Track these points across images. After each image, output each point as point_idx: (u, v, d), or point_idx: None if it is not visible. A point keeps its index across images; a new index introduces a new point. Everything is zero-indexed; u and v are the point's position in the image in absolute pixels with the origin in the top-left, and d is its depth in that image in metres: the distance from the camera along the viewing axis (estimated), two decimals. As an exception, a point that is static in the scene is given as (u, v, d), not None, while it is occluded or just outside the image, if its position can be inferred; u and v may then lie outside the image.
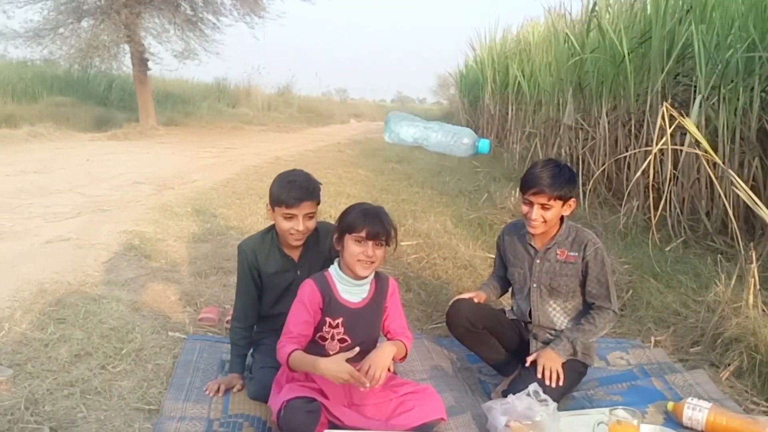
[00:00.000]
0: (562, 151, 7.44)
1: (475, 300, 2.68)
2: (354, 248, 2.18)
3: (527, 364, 2.51)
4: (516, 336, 2.67)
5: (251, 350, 2.61)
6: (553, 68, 8.42)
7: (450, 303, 2.73)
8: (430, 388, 2.29)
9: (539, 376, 2.41)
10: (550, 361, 2.45)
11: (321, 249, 2.55)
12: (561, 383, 2.41)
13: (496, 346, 2.67)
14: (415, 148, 13.07)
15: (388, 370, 2.22)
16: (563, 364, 2.47)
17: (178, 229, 4.84)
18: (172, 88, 19.66)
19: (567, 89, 7.47)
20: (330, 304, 2.23)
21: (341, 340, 2.24)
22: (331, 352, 2.22)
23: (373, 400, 2.21)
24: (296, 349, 2.14)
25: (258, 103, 20.69)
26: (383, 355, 2.16)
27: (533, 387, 2.23)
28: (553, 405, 2.17)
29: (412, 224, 5.44)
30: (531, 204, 2.47)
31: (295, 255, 2.54)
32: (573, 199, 2.52)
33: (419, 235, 5.09)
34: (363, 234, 2.16)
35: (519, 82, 10.14)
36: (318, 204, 2.44)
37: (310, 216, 2.41)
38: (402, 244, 4.84)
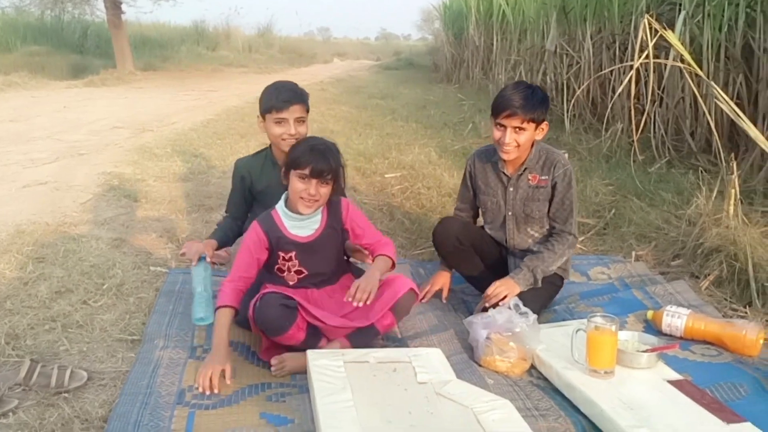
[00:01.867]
0: (547, 78, 7.33)
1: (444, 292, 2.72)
2: (297, 185, 2.14)
3: (487, 304, 2.43)
4: (496, 253, 2.67)
5: None
6: (537, -7, 8.22)
7: (438, 222, 2.71)
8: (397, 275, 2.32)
9: (488, 293, 2.40)
10: (507, 289, 2.40)
11: None
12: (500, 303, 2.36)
13: (478, 264, 2.67)
14: (400, 83, 12.90)
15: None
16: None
17: (157, 170, 4.78)
18: (149, 33, 19.14)
19: (551, 14, 7.31)
20: (279, 241, 2.23)
21: (298, 272, 2.26)
22: (291, 283, 2.27)
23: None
24: (228, 306, 2.12)
25: (238, 45, 20.19)
26: (370, 279, 2.17)
27: (513, 300, 2.24)
28: (533, 317, 2.18)
29: (396, 157, 5.40)
30: (504, 128, 2.40)
31: None
32: (545, 123, 2.45)
33: (403, 167, 5.05)
34: (306, 171, 2.12)
35: (503, 11, 9.92)
36: (307, 110, 2.46)
37: (300, 120, 2.42)
38: (386, 176, 4.81)
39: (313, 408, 1.82)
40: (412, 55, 22.55)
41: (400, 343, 2.37)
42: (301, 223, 2.24)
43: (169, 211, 3.86)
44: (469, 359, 2.21)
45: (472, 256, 2.64)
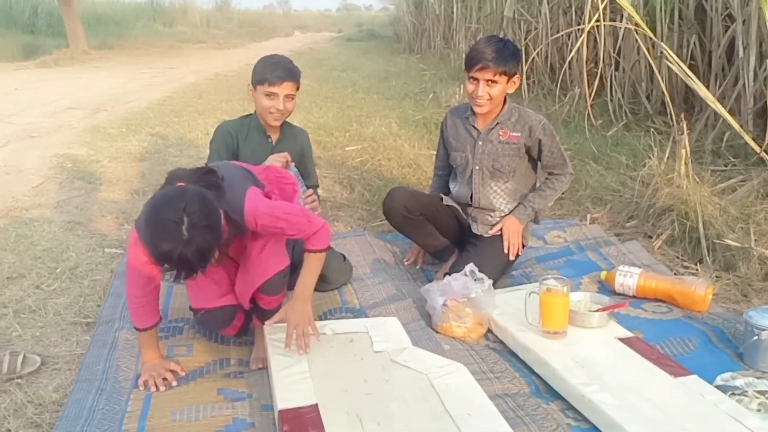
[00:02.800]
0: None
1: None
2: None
3: (490, 233, 2.58)
4: (453, 221, 2.68)
5: None
6: (494, -41, 8.17)
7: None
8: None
9: (505, 251, 2.53)
10: (511, 232, 2.55)
11: (297, 143, 2.64)
12: (520, 253, 2.59)
13: (433, 233, 2.68)
14: (361, 55, 12.78)
15: None
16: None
17: (112, 150, 4.68)
18: (102, 10, 18.62)
19: (508, -21, 7.28)
20: None
21: None
22: None
23: None
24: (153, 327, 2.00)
25: (196, 20, 19.78)
26: (302, 313, 1.93)
27: (469, 267, 2.26)
28: (488, 282, 2.20)
29: (357, 129, 5.37)
30: (476, 81, 2.43)
31: (273, 138, 2.59)
32: (517, 76, 2.49)
33: (364, 140, 5.03)
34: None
35: (461, -22, 9.85)
36: (297, 88, 2.51)
37: (290, 97, 2.46)
38: (347, 149, 4.78)
39: (270, 381, 1.83)
40: (374, 26, 22.36)
41: (358, 313, 2.38)
42: None
43: (125, 191, 3.79)
44: (426, 326, 2.23)
45: (424, 225, 2.65)
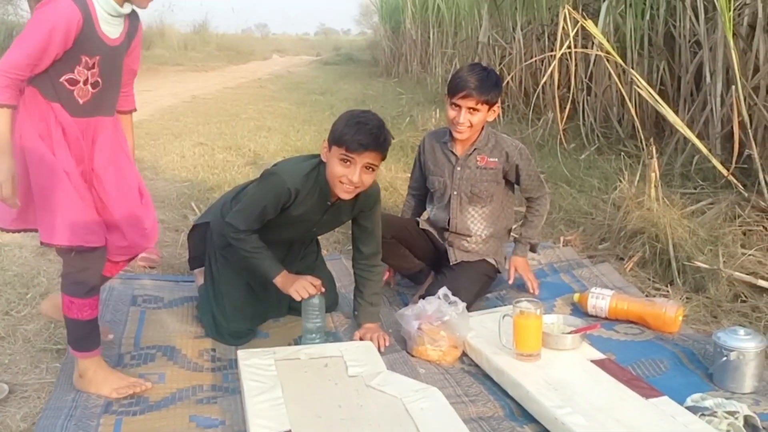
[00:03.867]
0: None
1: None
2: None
3: (510, 281, 2.67)
4: (428, 245, 2.70)
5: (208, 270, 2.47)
6: (469, -14, 8.33)
7: None
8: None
9: (530, 291, 2.62)
10: (524, 270, 2.67)
11: (356, 206, 2.28)
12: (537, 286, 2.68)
13: (407, 256, 2.69)
14: (339, 79, 12.87)
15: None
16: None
17: (87, 173, 4.63)
18: (79, 33, 18.52)
19: (482, 6, 7.42)
20: (88, 36, 1.76)
21: (94, 84, 1.84)
22: (81, 101, 1.82)
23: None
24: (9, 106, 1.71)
25: (173, 43, 19.72)
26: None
27: (443, 291, 2.27)
28: (462, 305, 2.21)
29: (333, 152, 5.38)
30: (459, 108, 2.47)
31: (333, 198, 2.23)
32: (497, 105, 2.54)
33: (341, 162, 5.04)
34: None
35: (438, 4, 10.01)
36: (383, 158, 2.13)
37: (370, 168, 2.09)
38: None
39: (243, 408, 1.81)
40: (351, 50, 22.54)
41: (334, 337, 2.37)
42: (114, 19, 1.82)
43: (99, 215, 3.75)
44: (401, 350, 2.23)
45: (397, 248, 2.66)
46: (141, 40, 2.00)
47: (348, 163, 2.07)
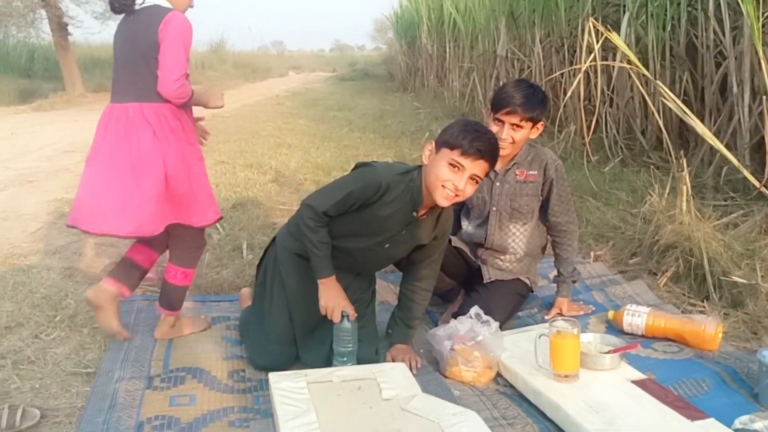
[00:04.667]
0: (500, 83, 7.42)
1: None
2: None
3: (548, 319, 2.52)
4: (460, 262, 2.65)
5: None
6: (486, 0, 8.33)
7: None
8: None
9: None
10: (569, 310, 2.58)
11: (437, 228, 2.21)
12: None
13: (439, 275, 2.65)
14: (356, 94, 12.91)
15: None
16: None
17: (110, 193, 4.66)
18: (99, 53, 18.70)
19: (500, 20, 7.41)
20: None
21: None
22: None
23: None
24: None
25: (191, 62, 19.87)
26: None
27: (475, 310, 2.23)
28: (495, 324, 2.17)
29: (354, 169, 5.37)
30: (502, 123, 2.41)
31: (420, 212, 2.13)
32: (541, 123, 2.49)
33: (362, 179, 5.02)
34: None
35: (454, 18, 10.02)
36: (488, 174, 2.09)
37: (475, 179, 2.03)
38: (345, 188, 4.78)
39: (277, 433, 1.78)
40: (367, 66, 22.65)
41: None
42: None
43: (124, 235, 3.76)
44: (434, 371, 2.19)
45: None
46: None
47: (457, 168, 1.99)
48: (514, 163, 2.53)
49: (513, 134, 2.41)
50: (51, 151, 6.81)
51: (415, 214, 2.12)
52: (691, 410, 1.80)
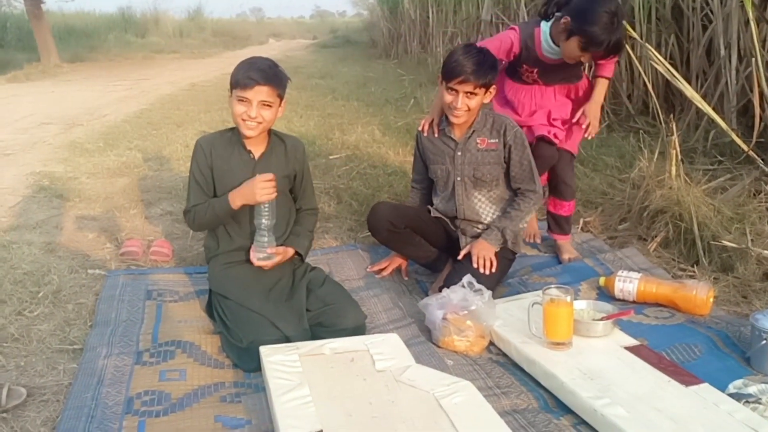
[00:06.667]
0: (485, 48, 7.33)
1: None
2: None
3: (460, 258, 2.49)
4: (442, 233, 2.63)
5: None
6: (469, -37, 8.18)
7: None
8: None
9: (474, 265, 2.40)
10: (483, 250, 2.44)
11: (288, 161, 2.39)
12: (494, 270, 2.41)
13: (423, 245, 2.63)
14: (338, 62, 12.72)
15: None
16: (495, 253, 2.46)
17: (90, 166, 4.56)
18: (73, 22, 18.31)
19: (484, -17, 7.28)
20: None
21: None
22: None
23: None
24: None
25: (168, 30, 19.55)
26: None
27: (467, 278, 2.21)
28: (488, 293, 2.16)
29: (339, 137, 5.31)
30: (455, 92, 2.38)
31: (255, 152, 2.35)
32: (494, 86, 2.45)
33: (347, 147, 4.97)
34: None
35: (436, -18, 9.85)
36: (279, 96, 2.24)
37: (266, 104, 2.20)
38: (330, 157, 4.72)
39: (270, 407, 1.76)
40: (348, 32, 22.30)
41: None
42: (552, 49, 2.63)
43: (105, 208, 3.68)
44: (427, 341, 2.17)
45: (411, 237, 2.60)
46: None
47: (244, 101, 2.20)
48: (473, 131, 2.50)
49: (468, 102, 2.39)
50: (27, 123, 6.65)
51: (251, 155, 2.34)
52: (685, 376, 1.80)
